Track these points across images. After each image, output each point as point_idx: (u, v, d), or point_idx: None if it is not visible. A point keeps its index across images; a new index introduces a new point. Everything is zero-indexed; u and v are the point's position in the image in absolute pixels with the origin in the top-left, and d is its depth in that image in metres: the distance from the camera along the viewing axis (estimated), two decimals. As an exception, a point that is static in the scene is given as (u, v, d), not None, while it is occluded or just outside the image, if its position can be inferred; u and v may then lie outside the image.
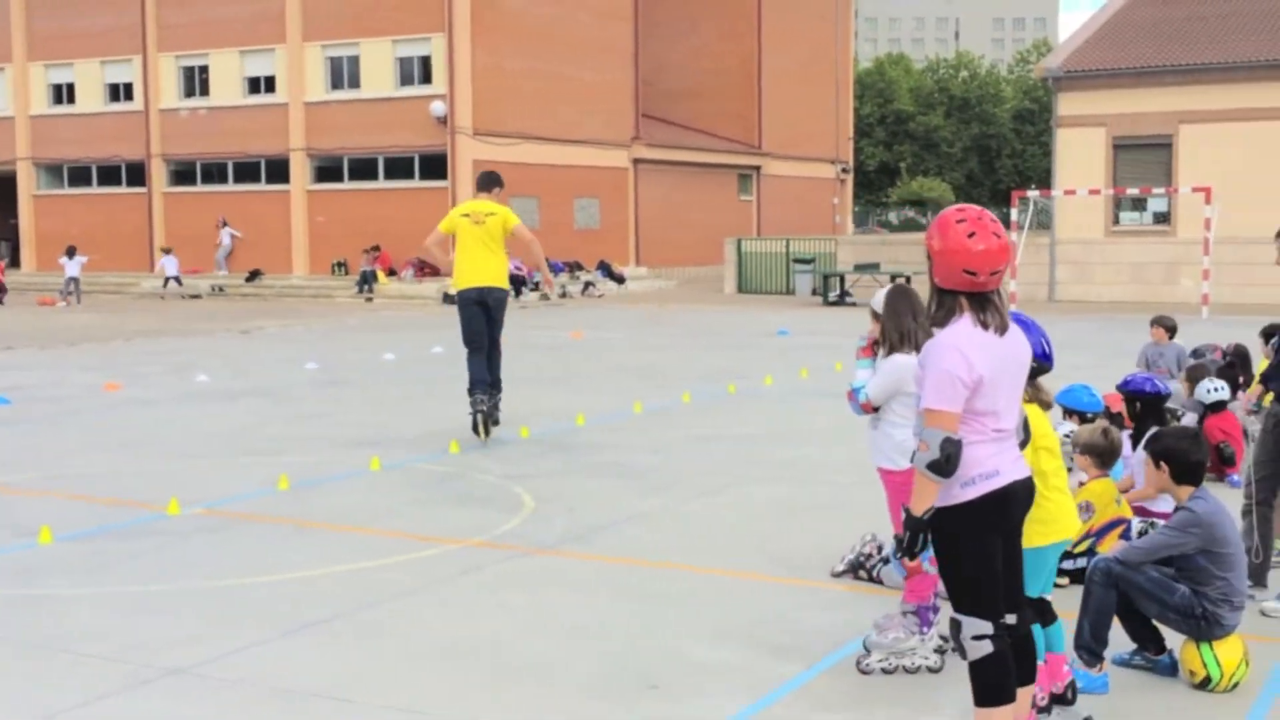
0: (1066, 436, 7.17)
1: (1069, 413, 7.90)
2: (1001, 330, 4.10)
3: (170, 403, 13.77)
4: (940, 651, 5.36)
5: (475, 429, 10.81)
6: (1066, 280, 30.06)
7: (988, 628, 4.11)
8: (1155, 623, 5.26)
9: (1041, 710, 4.73)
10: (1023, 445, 4.35)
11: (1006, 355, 4.12)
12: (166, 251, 35.24)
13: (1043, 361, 4.64)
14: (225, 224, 35.16)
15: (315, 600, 6.33)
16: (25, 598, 6.45)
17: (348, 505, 8.55)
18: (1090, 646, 5.09)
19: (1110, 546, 6.27)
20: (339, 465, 9.95)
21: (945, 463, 3.98)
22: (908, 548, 4.11)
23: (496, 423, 11.00)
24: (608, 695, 5.07)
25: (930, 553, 4.21)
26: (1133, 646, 5.36)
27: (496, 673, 5.33)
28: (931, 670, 5.28)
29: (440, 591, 6.50)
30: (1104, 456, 6.67)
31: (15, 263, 42.13)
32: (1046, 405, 4.88)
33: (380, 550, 7.30)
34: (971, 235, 4.04)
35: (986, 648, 4.11)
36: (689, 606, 6.24)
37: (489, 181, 11.25)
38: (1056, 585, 6.39)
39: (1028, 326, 4.59)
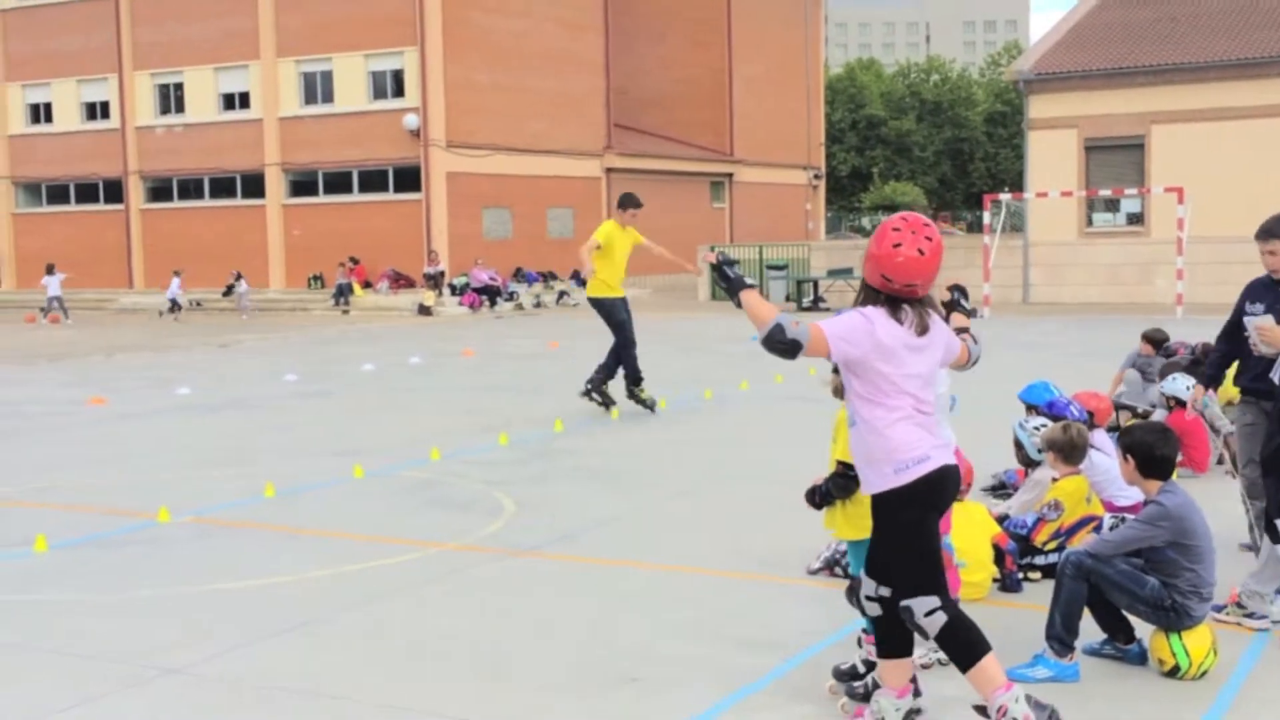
0: (1037, 429, 7.35)
1: (1031, 408, 8.10)
2: (919, 332, 4.34)
3: (154, 416, 13.88)
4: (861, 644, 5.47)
5: (651, 407, 12.79)
6: (1040, 282, 30.35)
7: (935, 601, 4.31)
8: (1125, 613, 5.37)
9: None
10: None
11: (919, 347, 4.34)
12: (177, 274, 33.19)
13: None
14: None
15: (303, 603, 6.49)
16: (23, 603, 6.59)
17: (332, 512, 8.70)
18: (1061, 637, 5.20)
19: (1081, 541, 6.41)
20: (323, 473, 10.10)
21: (773, 337, 4.24)
22: (723, 273, 4.43)
23: (600, 401, 12.82)
24: (587, 690, 5.22)
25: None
26: (1103, 636, 5.47)
27: (479, 670, 5.49)
28: (942, 664, 5.27)
29: (424, 593, 6.66)
30: (1067, 452, 6.79)
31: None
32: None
33: (365, 554, 7.45)
34: (897, 245, 4.28)
35: (942, 618, 4.31)
36: (667, 604, 6.40)
37: (627, 202, 13.07)
38: (1028, 579, 6.62)
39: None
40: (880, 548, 4.39)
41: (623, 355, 12.68)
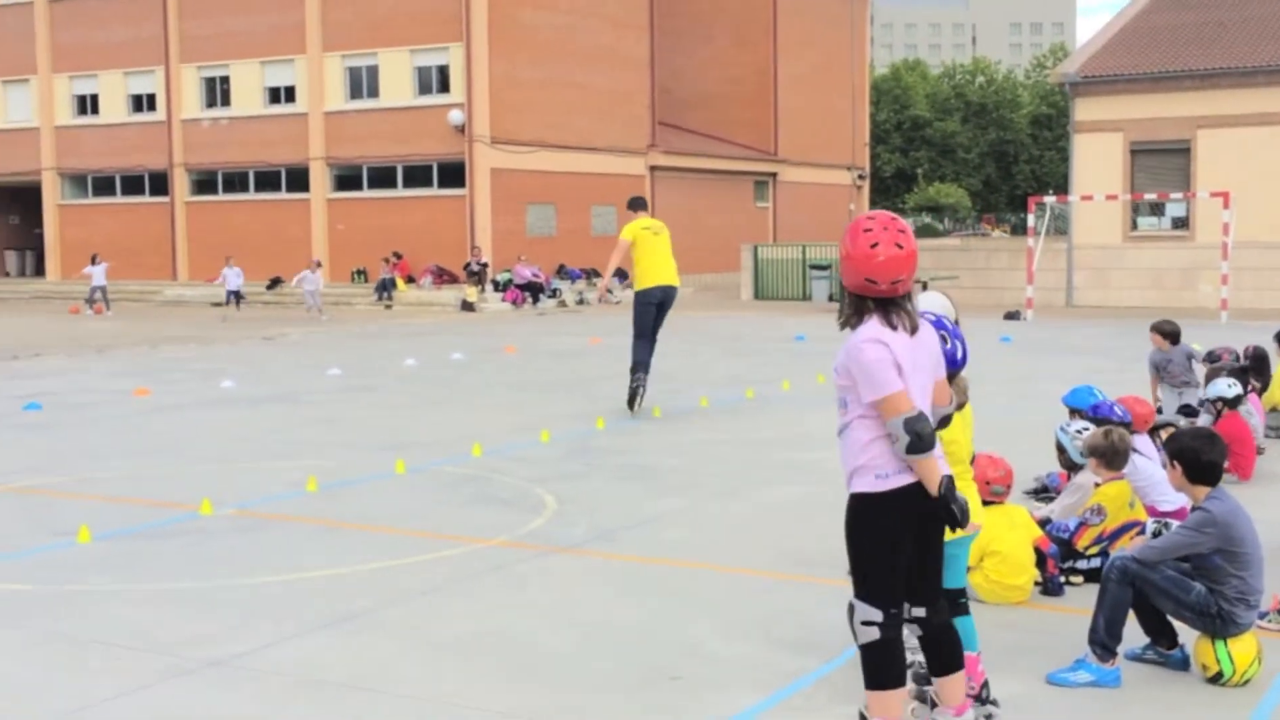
0: (1079, 433, 7.29)
1: (1074, 412, 8.03)
2: (910, 331, 4.26)
3: (198, 407, 14.02)
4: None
5: (630, 402, 12.71)
6: (1084, 286, 30.10)
7: (877, 615, 4.27)
8: (1169, 618, 5.32)
9: (971, 698, 4.83)
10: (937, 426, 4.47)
11: (917, 353, 4.28)
12: (228, 262, 30.99)
13: (951, 367, 4.74)
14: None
15: (345, 596, 6.53)
16: (66, 593, 6.68)
17: (375, 506, 8.76)
18: (1104, 642, 5.17)
19: (1122, 547, 6.34)
20: (365, 468, 10.16)
21: (919, 440, 4.13)
22: (961, 519, 4.26)
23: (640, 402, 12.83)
24: (627, 688, 5.23)
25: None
26: (1145, 641, 5.42)
27: (519, 666, 5.50)
28: (921, 666, 5.28)
29: (465, 588, 6.69)
30: (1109, 458, 6.73)
31: (40, 271, 42.62)
32: (961, 405, 4.91)
33: (407, 549, 7.50)
34: (874, 245, 4.19)
35: (874, 634, 4.28)
36: (707, 603, 6.40)
37: (641, 203, 13.40)
38: (1069, 583, 6.57)
39: (948, 331, 4.77)
40: (851, 549, 4.36)
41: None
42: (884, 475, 4.22)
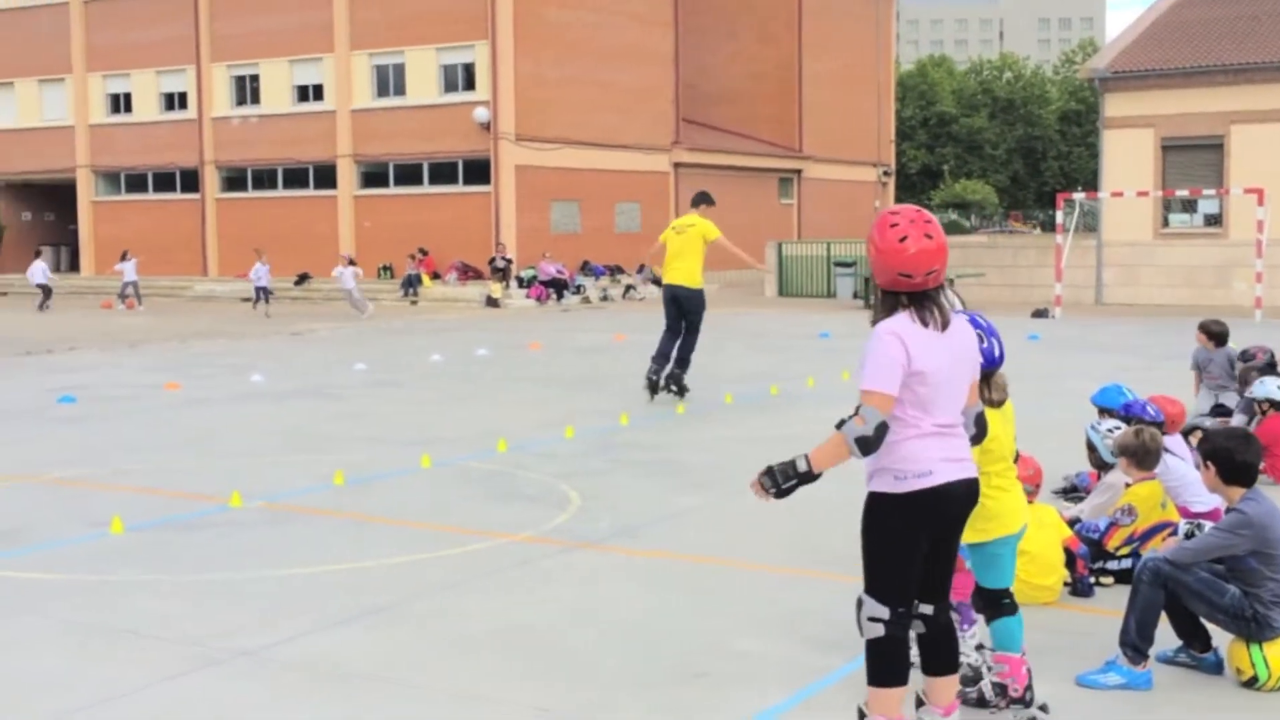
0: (1110, 432, 7.24)
1: (1105, 411, 7.97)
2: (942, 327, 4.20)
3: (227, 402, 14.12)
4: (980, 649, 5.44)
5: (650, 389, 13.24)
6: (1113, 283, 29.88)
7: (884, 612, 4.25)
8: (1203, 621, 5.27)
9: (1015, 701, 4.85)
10: (975, 441, 4.43)
11: (948, 352, 4.21)
12: (260, 257, 29.86)
13: (988, 366, 4.74)
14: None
15: (371, 589, 6.57)
16: (98, 584, 6.75)
17: (400, 500, 8.80)
18: (1135, 644, 5.12)
19: (1154, 549, 6.28)
20: (391, 462, 10.21)
21: (875, 442, 4.09)
22: (779, 489, 4.20)
23: (675, 391, 13.34)
24: (651, 684, 5.23)
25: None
26: (1177, 644, 5.37)
27: (543, 661, 5.52)
28: (972, 668, 5.23)
29: (490, 583, 6.72)
30: (1140, 457, 6.67)
31: (75, 267, 42.99)
32: (996, 403, 4.89)
33: (432, 543, 7.53)
34: (903, 239, 4.13)
35: (879, 630, 4.26)
36: (732, 600, 6.40)
37: (699, 199, 13.48)
38: (1099, 584, 6.53)
39: (984, 329, 4.74)
40: (864, 546, 4.33)
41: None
42: (902, 478, 4.18)
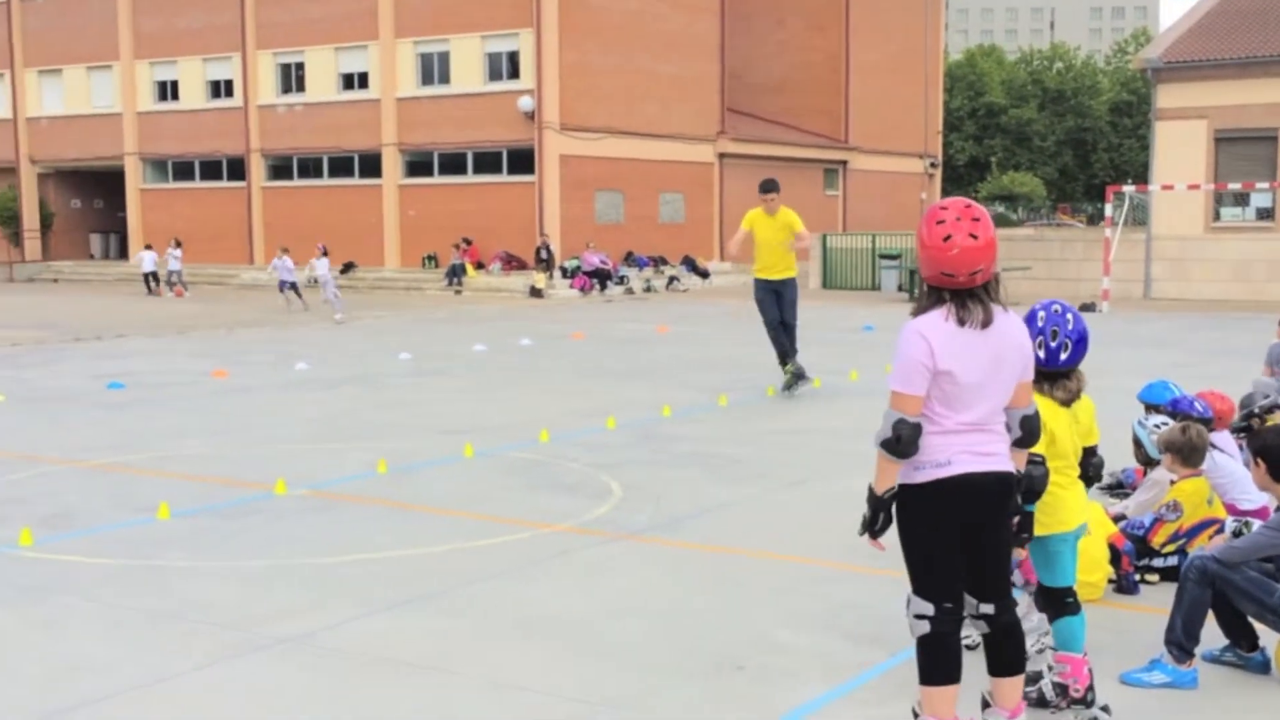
0: (1158, 427, 7.15)
1: (1151, 407, 7.87)
2: (983, 325, 4.13)
3: (273, 389, 14.26)
4: (1041, 651, 5.38)
5: (797, 380, 13.20)
6: (1162, 278, 29.48)
7: (929, 609, 4.22)
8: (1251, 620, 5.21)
9: (1076, 702, 4.80)
10: (1022, 444, 4.34)
11: (987, 351, 4.15)
12: (284, 251, 28.11)
13: (1047, 367, 4.70)
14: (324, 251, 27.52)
15: (414, 578, 6.61)
16: (146, 568, 6.84)
17: (443, 489, 8.84)
18: (1181, 643, 5.08)
19: (1201, 546, 6.21)
20: (434, 451, 10.26)
21: (896, 443, 4.09)
22: (867, 525, 4.24)
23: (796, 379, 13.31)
24: (692, 676, 5.23)
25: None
26: (1224, 643, 5.32)
27: (584, 652, 5.53)
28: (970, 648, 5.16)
29: (531, 573, 6.74)
30: (1185, 454, 6.59)
31: (123, 254, 43.56)
32: (1062, 402, 4.84)
33: (475, 532, 7.56)
34: (947, 239, 4.07)
35: (925, 628, 4.24)
36: (773, 593, 6.38)
37: (769, 186, 13.18)
38: (1145, 581, 6.46)
39: (1059, 327, 4.71)
40: (900, 542, 4.32)
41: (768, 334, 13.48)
42: (920, 467, 4.17)
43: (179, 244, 33.07)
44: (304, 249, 38.70)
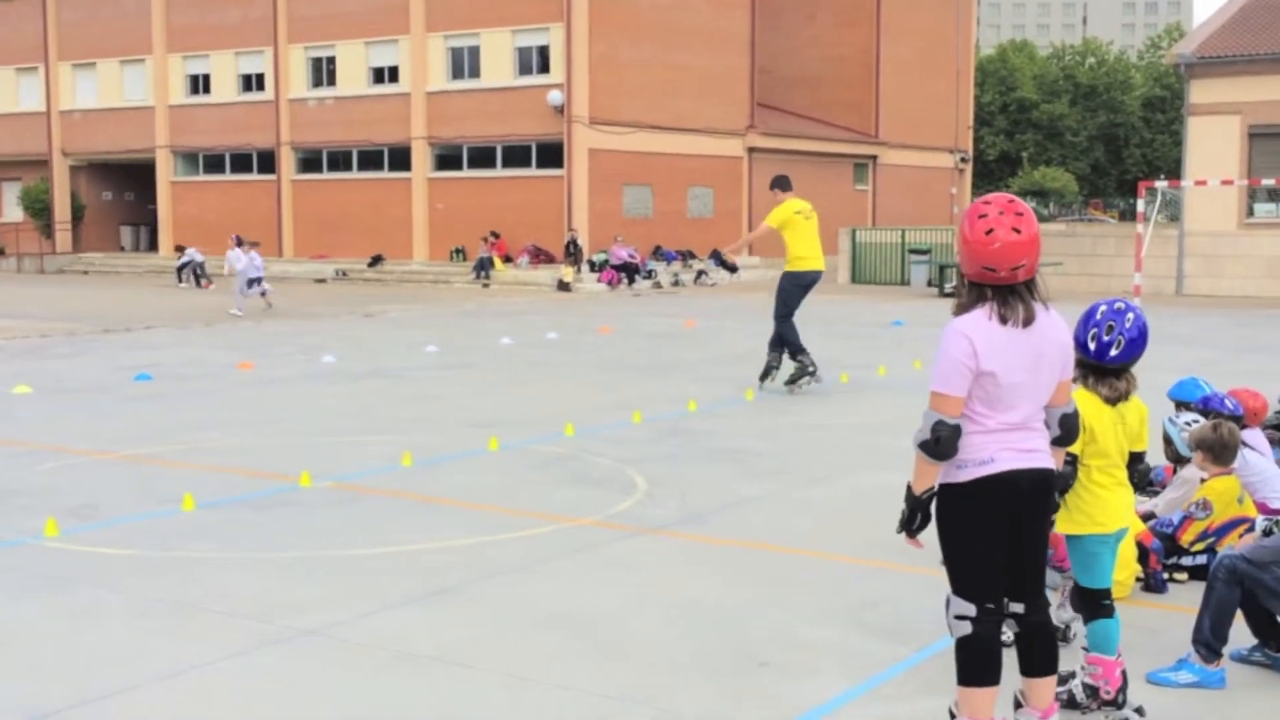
0: (1188, 425, 7.06)
1: (1182, 405, 7.78)
2: (1025, 323, 4.08)
3: (299, 381, 14.31)
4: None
5: (807, 375, 13.06)
6: (1194, 274, 29.22)
7: (970, 609, 4.18)
8: None
9: (1107, 704, 4.75)
10: (1061, 443, 4.30)
11: (1029, 350, 4.10)
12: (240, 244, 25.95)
13: (1096, 360, 4.66)
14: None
15: (437, 571, 6.61)
16: (170, 559, 6.87)
17: (468, 483, 8.84)
18: (1209, 642, 5.04)
19: (1230, 545, 6.15)
20: (459, 444, 10.27)
21: (935, 444, 4.05)
22: (905, 524, 4.21)
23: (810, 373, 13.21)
24: (715, 671, 5.20)
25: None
26: (1252, 642, 5.27)
27: (607, 646, 5.51)
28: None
29: (555, 567, 6.73)
30: (1216, 452, 6.50)
31: (154, 246, 43.88)
32: (1108, 400, 4.78)
33: (499, 526, 7.56)
34: (989, 233, 4.02)
35: (965, 629, 4.19)
36: (797, 588, 6.35)
37: (788, 182, 13.36)
38: (1173, 580, 6.38)
39: (1099, 324, 4.67)
40: (940, 542, 4.28)
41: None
42: (962, 466, 4.12)
43: (244, 243, 30.34)
44: (332, 241, 39.02)
